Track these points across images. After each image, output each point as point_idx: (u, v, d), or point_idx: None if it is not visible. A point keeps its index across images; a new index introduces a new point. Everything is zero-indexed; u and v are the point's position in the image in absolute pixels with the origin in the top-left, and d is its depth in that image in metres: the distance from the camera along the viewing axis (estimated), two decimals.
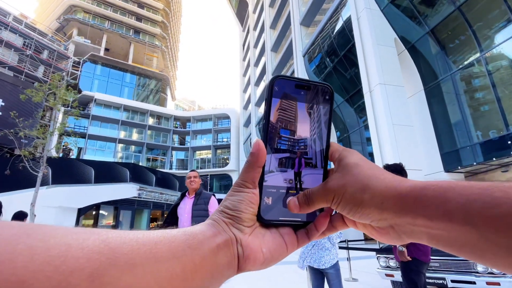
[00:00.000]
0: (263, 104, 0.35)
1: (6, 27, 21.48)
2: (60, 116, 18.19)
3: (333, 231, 0.34)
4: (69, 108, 20.32)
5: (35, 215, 10.44)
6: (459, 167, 10.23)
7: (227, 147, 37.33)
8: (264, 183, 0.33)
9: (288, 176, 0.34)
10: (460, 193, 0.23)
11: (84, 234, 0.20)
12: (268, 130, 0.33)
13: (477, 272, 3.40)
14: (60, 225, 0.21)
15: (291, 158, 0.34)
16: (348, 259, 6.26)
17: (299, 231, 0.33)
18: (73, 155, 25.83)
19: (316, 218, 0.34)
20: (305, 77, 16.23)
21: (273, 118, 0.33)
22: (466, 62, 10.10)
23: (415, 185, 0.26)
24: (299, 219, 0.34)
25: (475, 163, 9.69)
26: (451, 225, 0.23)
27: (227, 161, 36.68)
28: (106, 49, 34.58)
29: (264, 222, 0.32)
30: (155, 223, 23.14)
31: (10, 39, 21.38)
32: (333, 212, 0.35)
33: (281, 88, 0.34)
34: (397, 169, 2.41)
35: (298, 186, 0.34)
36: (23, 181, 12.88)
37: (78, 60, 27.02)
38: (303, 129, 0.34)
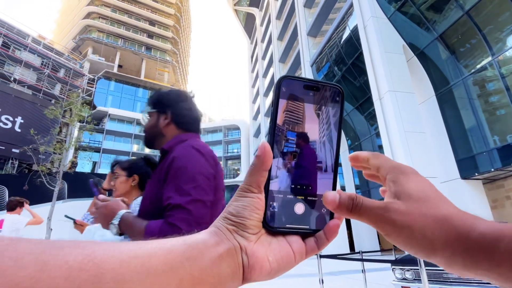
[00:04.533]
0: None
1: (26, 48, 22.58)
2: (75, 132, 18.77)
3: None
4: (84, 124, 20.98)
5: (51, 229, 10.68)
6: (476, 174, 9.91)
7: (237, 158, 37.43)
8: (270, 188, 0.31)
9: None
10: None
11: (67, 248, 0.19)
12: (274, 133, 0.31)
13: None
14: (49, 239, 0.19)
15: None
16: (363, 271, 6.09)
17: (307, 239, 0.31)
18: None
19: (325, 226, 0.31)
20: None
21: (280, 120, 0.31)
22: (478, 66, 9.92)
23: (486, 234, 0.23)
24: (308, 227, 0.31)
25: (492, 169, 9.36)
26: None
27: (238, 172, 36.68)
28: (119, 66, 35.77)
29: (270, 229, 0.30)
30: None
31: (29, 59, 22.44)
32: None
33: (289, 89, 0.32)
34: None
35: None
36: (40, 195, 13.25)
37: (92, 77, 28.01)
38: (312, 132, 0.33)
